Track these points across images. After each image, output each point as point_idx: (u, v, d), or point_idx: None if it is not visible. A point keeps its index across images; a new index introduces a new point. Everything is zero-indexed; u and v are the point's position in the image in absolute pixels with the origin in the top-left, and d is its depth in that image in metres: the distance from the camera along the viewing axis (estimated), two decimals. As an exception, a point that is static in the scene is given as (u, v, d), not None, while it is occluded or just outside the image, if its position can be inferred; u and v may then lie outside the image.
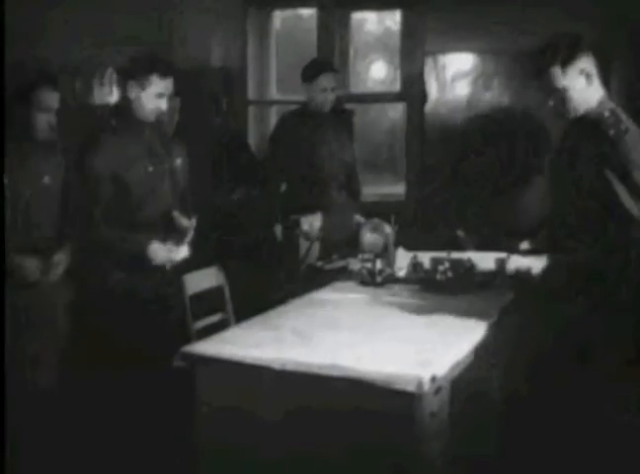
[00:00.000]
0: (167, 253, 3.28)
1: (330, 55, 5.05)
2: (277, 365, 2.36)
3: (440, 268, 3.34)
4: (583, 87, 2.78)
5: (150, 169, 3.31)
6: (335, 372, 2.29)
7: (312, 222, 4.07)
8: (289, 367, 2.34)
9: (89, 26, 4.86)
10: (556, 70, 2.76)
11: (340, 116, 4.46)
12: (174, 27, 5.07)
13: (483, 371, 2.74)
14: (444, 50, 4.79)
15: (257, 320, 2.87)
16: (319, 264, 3.81)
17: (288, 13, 5.57)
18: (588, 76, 2.78)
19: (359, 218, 4.01)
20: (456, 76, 4.82)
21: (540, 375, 2.76)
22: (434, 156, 4.76)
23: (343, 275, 3.60)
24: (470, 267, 3.34)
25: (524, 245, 3.25)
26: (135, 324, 3.15)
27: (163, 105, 3.27)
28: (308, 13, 5.39)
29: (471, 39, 4.65)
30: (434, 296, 3.19)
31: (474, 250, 3.61)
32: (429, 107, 4.83)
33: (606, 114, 2.76)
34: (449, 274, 3.33)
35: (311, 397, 2.32)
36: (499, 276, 3.25)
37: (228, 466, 2.43)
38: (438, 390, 2.31)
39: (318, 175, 4.11)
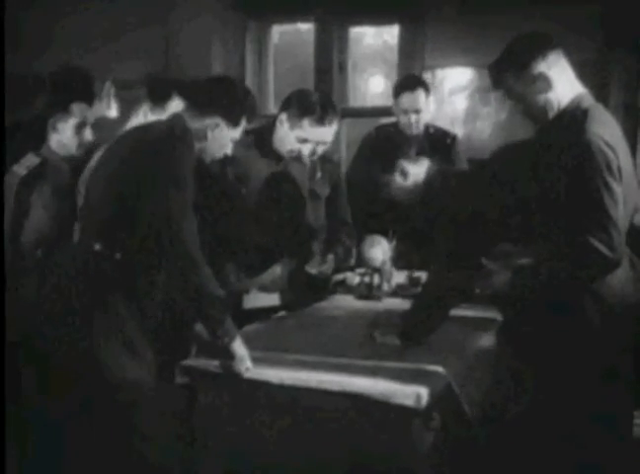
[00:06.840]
0: None
1: (328, 69, 5.07)
2: (275, 380, 2.36)
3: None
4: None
5: None
6: (333, 387, 2.29)
7: None
8: (288, 382, 2.34)
9: (84, 40, 4.87)
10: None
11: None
12: (173, 40, 5.09)
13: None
14: (442, 65, 4.81)
15: (255, 335, 2.87)
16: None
17: (287, 27, 5.60)
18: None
19: None
20: (454, 90, 4.85)
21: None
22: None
23: (341, 288, 3.60)
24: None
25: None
26: None
27: None
28: (307, 27, 5.41)
29: (469, 53, 4.67)
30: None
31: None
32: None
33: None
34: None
35: (309, 412, 2.32)
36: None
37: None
38: (435, 405, 2.31)
39: None
